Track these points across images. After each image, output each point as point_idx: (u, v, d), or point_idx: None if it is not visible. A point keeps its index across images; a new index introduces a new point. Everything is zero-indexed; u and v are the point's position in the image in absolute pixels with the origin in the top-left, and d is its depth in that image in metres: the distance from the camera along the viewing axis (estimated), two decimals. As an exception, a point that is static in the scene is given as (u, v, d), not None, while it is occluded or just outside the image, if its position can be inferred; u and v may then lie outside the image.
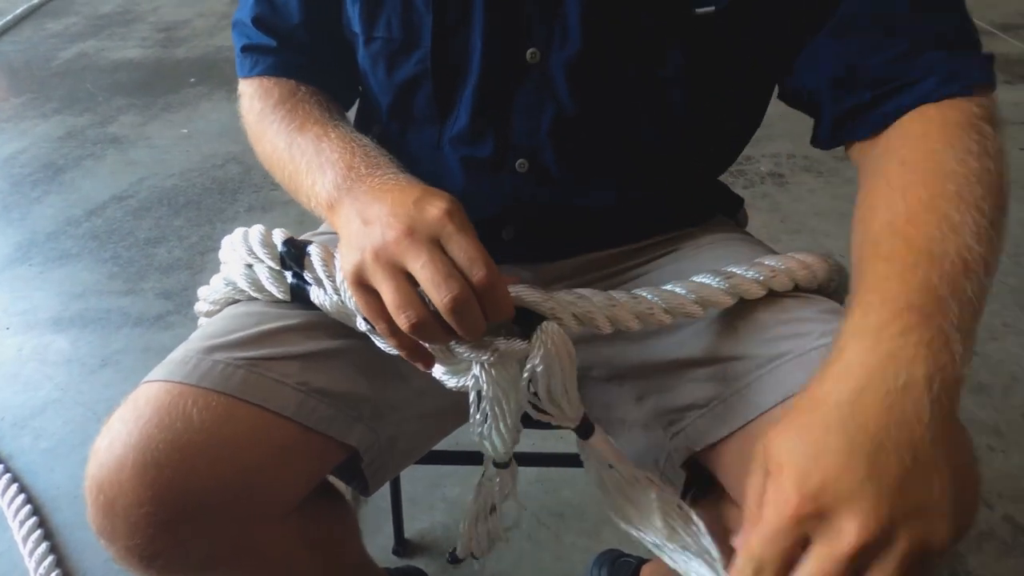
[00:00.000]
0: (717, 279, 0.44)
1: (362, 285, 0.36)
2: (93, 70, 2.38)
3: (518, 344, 0.38)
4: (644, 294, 0.43)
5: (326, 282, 0.43)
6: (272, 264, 0.45)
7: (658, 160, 0.49)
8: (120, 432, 0.39)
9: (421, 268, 0.33)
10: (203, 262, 1.41)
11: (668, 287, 0.44)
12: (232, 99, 2.36)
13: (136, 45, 2.60)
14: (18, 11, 2.92)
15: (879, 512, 0.24)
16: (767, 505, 0.26)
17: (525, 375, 0.38)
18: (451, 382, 0.40)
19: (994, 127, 0.36)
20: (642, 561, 0.74)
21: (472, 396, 0.40)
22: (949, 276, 0.29)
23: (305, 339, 0.45)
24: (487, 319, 0.34)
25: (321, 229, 0.59)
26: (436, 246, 0.34)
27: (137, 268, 1.39)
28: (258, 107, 0.49)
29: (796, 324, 0.44)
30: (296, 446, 0.43)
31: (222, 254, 0.49)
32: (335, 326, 0.46)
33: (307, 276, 0.44)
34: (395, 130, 0.51)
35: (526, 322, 0.38)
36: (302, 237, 0.49)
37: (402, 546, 0.86)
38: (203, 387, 0.40)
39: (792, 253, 0.50)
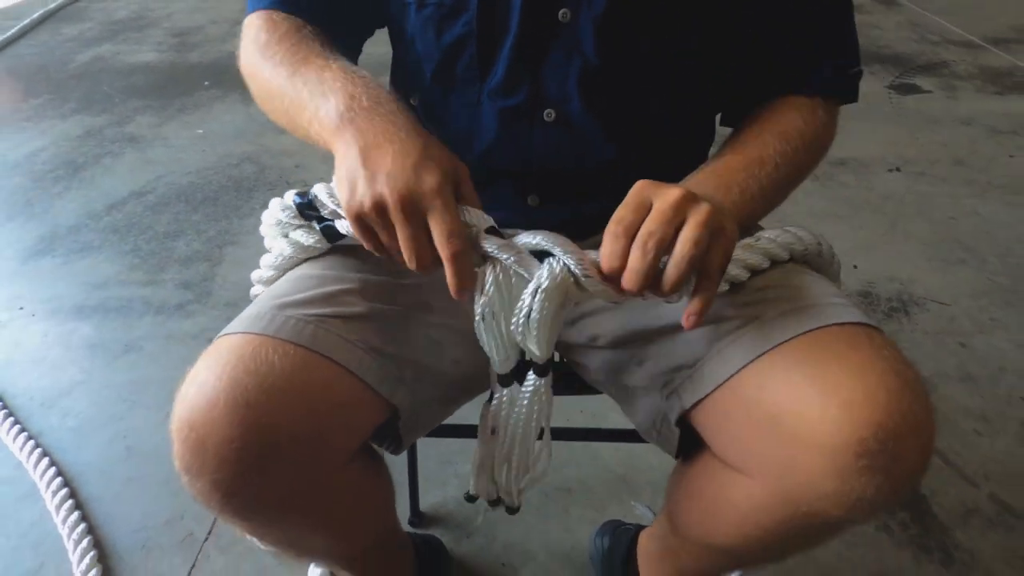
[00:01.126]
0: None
1: (360, 222, 0.42)
2: (109, 73, 2.44)
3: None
4: None
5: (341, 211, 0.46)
6: (295, 220, 0.50)
7: (672, 116, 0.55)
8: (208, 378, 0.42)
9: (404, 235, 0.41)
10: (221, 254, 1.45)
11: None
12: (246, 103, 2.41)
13: (151, 49, 2.66)
14: (35, 15, 2.99)
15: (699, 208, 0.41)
16: (660, 198, 0.41)
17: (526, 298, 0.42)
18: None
19: (820, 124, 0.54)
20: (640, 528, 0.78)
21: (531, 288, 0.42)
22: (746, 176, 0.50)
23: (360, 301, 0.50)
24: (455, 283, 0.42)
25: None
26: (422, 219, 0.41)
27: (157, 260, 1.43)
28: (263, 39, 0.51)
29: (773, 289, 0.49)
30: (354, 397, 0.48)
31: (263, 229, 0.54)
32: (386, 290, 0.50)
33: (324, 214, 0.48)
34: (437, 94, 0.55)
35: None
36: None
37: (418, 517, 0.90)
38: (280, 338, 0.44)
39: (772, 228, 0.54)
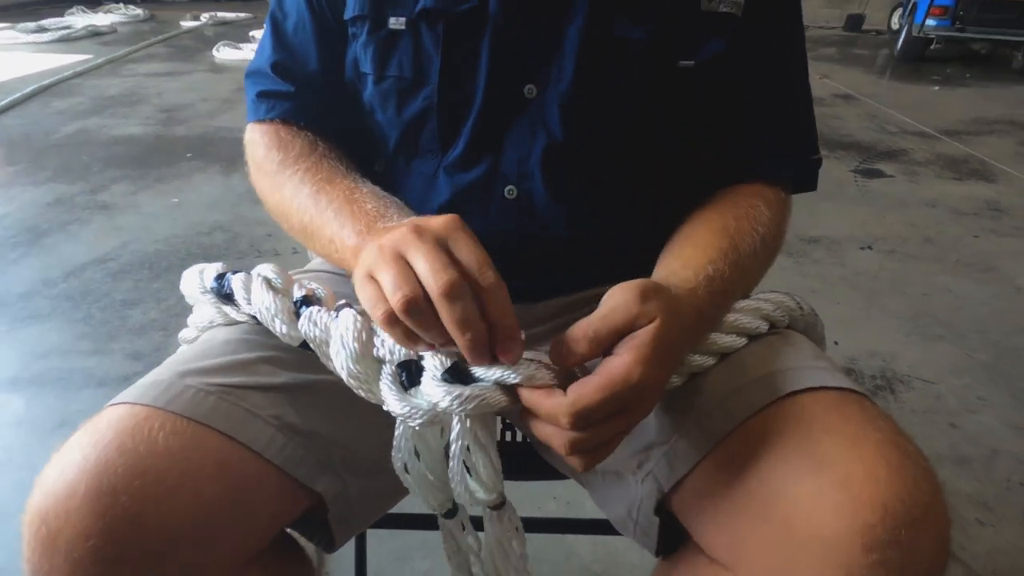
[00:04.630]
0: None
1: (369, 279, 0.35)
2: (92, 144, 2.46)
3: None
4: None
5: (244, 302, 0.43)
6: (214, 304, 0.46)
7: (635, 196, 0.52)
8: (75, 457, 0.35)
9: (422, 257, 0.33)
10: (179, 324, 1.37)
11: None
12: (226, 174, 2.44)
13: (138, 123, 2.71)
14: (27, 90, 3.06)
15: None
16: (642, 356, 0.35)
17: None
18: (416, 421, 0.36)
19: (779, 206, 0.51)
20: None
21: (454, 440, 0.37)
22: (718, 276, 0.44)
23: (281, 371, 0.44)
24: (490, 318, 0.34)
25: (308, 267, 0.59)
26: (440, 244, 0.34)
27: (109, 329, 1.36)
28: (277, 158, 0.50)
29: (750, 353, 0.44)
30: (261, 485, 0.41)
31: (185, 292, 0.49)
32: (313, 359, 0.44)
33: (236, 298, 0.44)
34: (400, 163, 0.53)
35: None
36: (296, 273, 0.50)
37: (365, 625, 0.78)
38: (171, 411, 0.38)
39: (759, 295, 0.51)
